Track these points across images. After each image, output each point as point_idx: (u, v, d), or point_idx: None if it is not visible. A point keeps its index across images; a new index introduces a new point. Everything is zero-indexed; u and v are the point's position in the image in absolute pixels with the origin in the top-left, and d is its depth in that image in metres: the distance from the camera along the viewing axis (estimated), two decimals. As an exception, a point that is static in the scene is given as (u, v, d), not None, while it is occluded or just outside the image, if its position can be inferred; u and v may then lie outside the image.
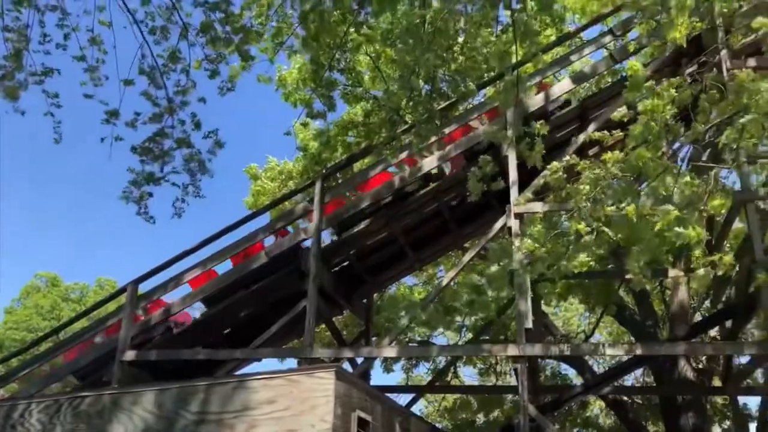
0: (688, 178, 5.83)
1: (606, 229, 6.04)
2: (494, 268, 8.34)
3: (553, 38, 13.07)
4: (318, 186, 11.35)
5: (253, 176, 17.76)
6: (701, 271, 6.00)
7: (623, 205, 5.88)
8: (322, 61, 9.38)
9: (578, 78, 10.97)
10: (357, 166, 14.33)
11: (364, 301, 14.14)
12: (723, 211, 9.68)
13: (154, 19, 8.69)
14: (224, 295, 12.16)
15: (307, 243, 11.42)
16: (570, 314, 23.08)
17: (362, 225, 12.08)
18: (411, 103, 9.51)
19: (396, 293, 17.54)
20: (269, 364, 19.80)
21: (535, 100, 11.04)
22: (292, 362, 11.28)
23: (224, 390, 8.08)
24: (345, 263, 13.09)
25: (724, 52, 9.43)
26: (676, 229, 5.38)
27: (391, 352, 11.18)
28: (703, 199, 5.62)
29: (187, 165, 9.24)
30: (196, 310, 13.32)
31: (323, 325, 14.78)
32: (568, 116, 11.57)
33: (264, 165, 17.84)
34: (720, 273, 6.19)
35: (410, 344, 17.46)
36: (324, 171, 12.18)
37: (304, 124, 12.35)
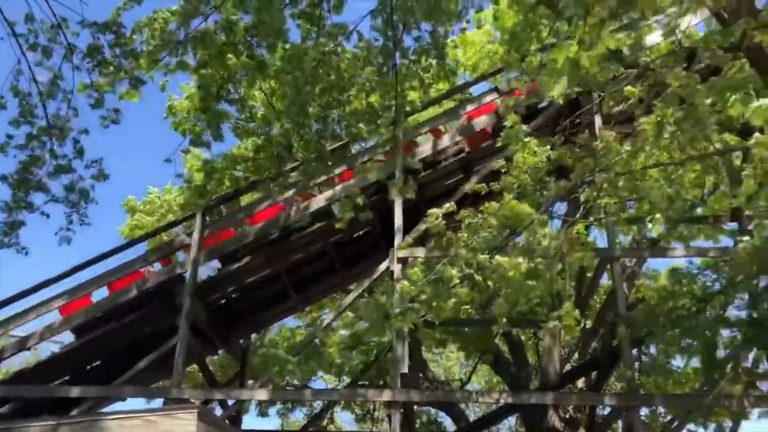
0: (549, 231, 6.07)
1: (478, 277, 6.15)
2: (372, 314, 8.30)
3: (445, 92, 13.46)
4: (199, 219, 10.96)
5: (131, 209, 16.88)
6: (550, 324, 6.22)
7: (494, 254, 6.03)
8: (211, 90, 9.18)
9: (464, 131, 11.33)
10: (245, 199, 13.96)
11: (241, 341, 13.65)
12: (586, 265, 10.13)
13: (37, 36, 8.15)
14: (96, 325, 11.37)
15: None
16: (450, 362, 23.35)
17: (243, 261, 11.73)
18: (302, 142, 9.44)
19: (273, 337, 17.07)
20: (137, 403, 18.59)
21: (422, 149, 11.30)
22: (159, 402, 10.63)
23: (75, 429, 7.46)
24: (224, 300, 12.63)
25: (597, 116, 10.07)
26: (528, 282, 5.56)
27: (263, 394, 10.81)
28: (566, 253, 5.85)
29: (68, 196, 8.68)
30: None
31: (196, 365, 14.10)
32: (452, 167, 11.88)
33: (143, 197, 17.02)
34: (563, 325, 6.42)
35: (286, 387, 16.98)
36: (207, 203, 11.78)
37: (185, 152, 11.97)
